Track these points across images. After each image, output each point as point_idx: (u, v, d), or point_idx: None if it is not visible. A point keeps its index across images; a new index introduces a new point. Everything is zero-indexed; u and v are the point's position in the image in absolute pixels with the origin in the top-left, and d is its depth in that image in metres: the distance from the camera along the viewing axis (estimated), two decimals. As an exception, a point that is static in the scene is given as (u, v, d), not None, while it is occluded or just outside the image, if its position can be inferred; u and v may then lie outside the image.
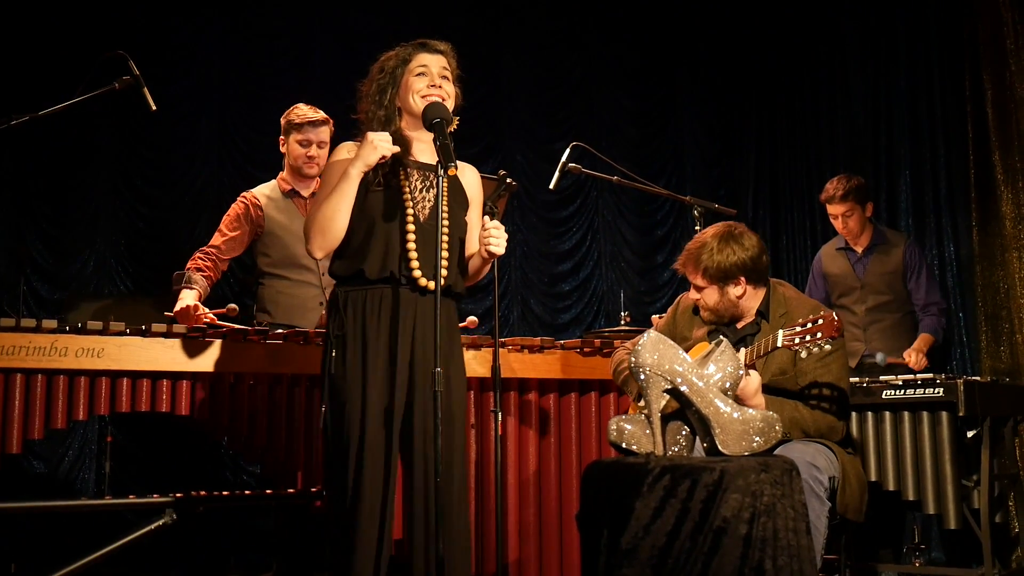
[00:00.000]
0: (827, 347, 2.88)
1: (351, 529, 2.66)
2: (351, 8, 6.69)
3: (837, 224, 4.77)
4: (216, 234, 4.01)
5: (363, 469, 2.67)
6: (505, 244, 2.80)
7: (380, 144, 2.72)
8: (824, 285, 4.89)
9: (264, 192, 4.08)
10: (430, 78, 2.83)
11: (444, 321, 2.70)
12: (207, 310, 3.69)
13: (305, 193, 4.08)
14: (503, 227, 2.82)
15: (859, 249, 4.78)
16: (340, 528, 2.69)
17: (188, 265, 3.92)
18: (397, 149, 2.77)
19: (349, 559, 2.65)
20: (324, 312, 3.96)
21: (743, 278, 3.15)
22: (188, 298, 3.76)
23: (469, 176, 2.98)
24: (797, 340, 2.90)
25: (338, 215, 2.74)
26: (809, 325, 2.89)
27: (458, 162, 2.86)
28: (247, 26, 6.54)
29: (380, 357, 2.74)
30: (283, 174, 4.13)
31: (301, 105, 4.11)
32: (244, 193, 4.09)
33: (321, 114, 4.05)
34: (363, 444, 2.68)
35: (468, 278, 2.96)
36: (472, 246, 2.93)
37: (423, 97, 2.81)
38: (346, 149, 2.88)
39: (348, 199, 2.74)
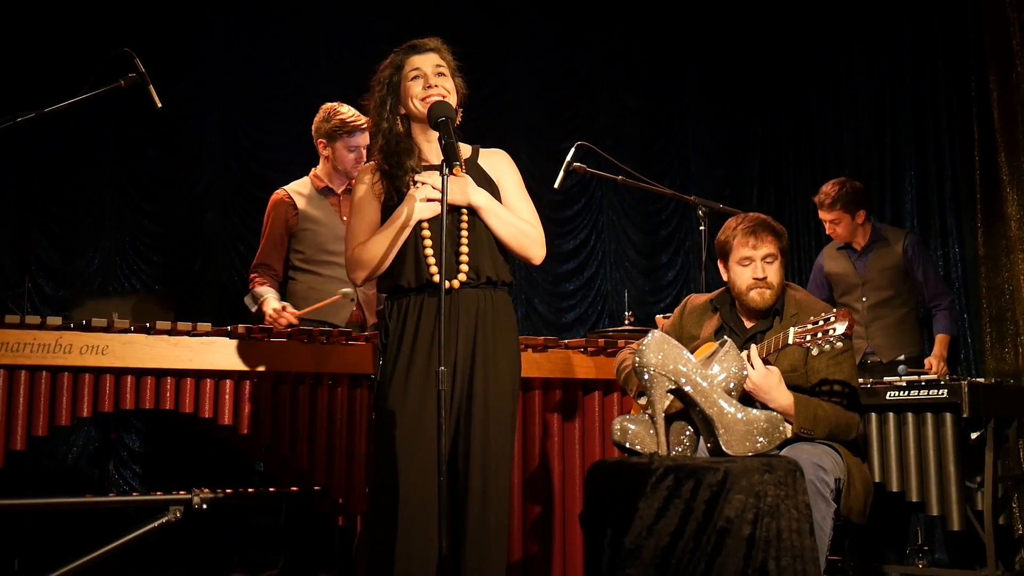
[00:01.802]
0: (839, 344, 2.88)
1: (389, 537, 2.66)
2: (356, 7, 6.70)
3: (827, 228, 4.81)
4: (261, 248, 4.02)
5: (408, 475, 2.67)
6: (436, 190, 2.76)
7: (428, 205, 2.78)
8: (826, 285, 4.90)
9: (297, 189, 4.08)
10: (425, 79, 2.84)
11: (489, 314, 2.78)
12: (293, 311, 3.77)
13: (339, 190, 4.08)
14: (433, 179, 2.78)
15: (858, 248, 4.80)
16: (381, 536, 2.68)
17: (251, 286, 3.96)
18: (436, 209, 2.78)
19: (391, 564, 2.64)
20: (355, 308, 3.98)
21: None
22: (273, 301, 3.83)
23: (494, 160, 2.98)
24: (808, 337, 2.90)
25: (387, 257, 2.80)
26: (820, 323, 2.89)
27: (487, 148, 2.96)
28: (253, 24, 6.55)
29: (421, 362, 2.74)
30: (317, 171, 4.12)
31: (341, 108, 4.05)
32: (277, 191, 4.08)
33: (364, 118, 3.99)
34: (408, 450, 2.68)
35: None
36: None
37: (422, 100, 2.82)
38: (368, 172, 2.91)
39: (396, 245, 2.79)
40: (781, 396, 2.94)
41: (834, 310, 2.93)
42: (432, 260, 2.77)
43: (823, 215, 4.77)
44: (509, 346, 2.84)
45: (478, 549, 2.69)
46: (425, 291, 2.79)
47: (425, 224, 2.80)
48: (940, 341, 4.62)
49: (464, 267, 2.77)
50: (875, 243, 4.77)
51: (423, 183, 2.79)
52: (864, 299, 4.73)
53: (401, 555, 2.63)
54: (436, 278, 2.74)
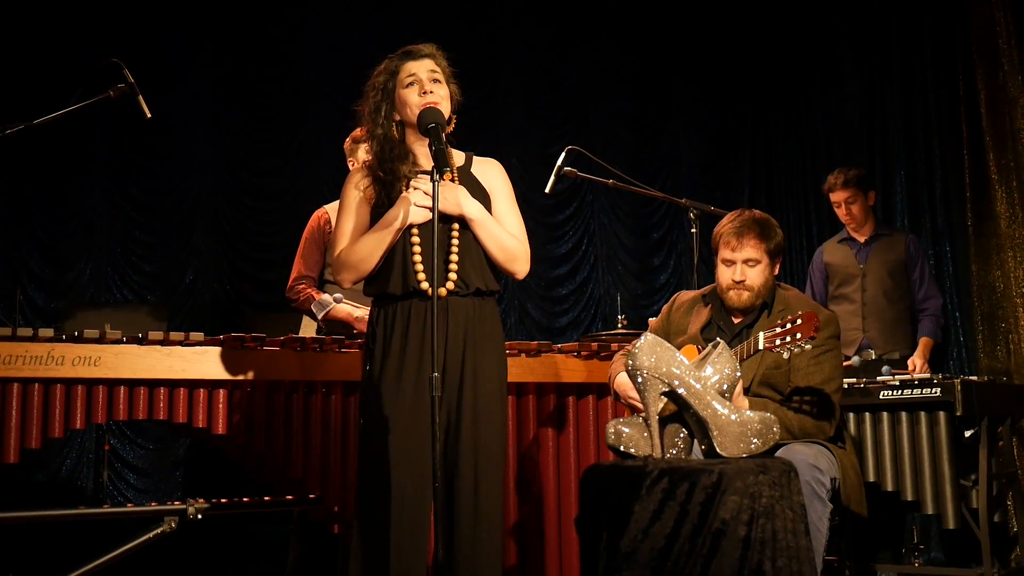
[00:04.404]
0: (807, 347, 2.87)
1: (379, 541, 2.66)
2: (346, 15, 6.71)
3: (841, 212, 4.82)
4: (303, 262, 3.99)
5: (400, 478, 2.67)
6: (427, 199, 2.75)
7: (420, 211, 2.77)
8: (823, 281, 4.92)
9: (334, 207, 4.07)
10: (420, 86, 2.83)
11: (477, 322, 2.78)
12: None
13: None
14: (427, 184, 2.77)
15: (862, 239, 4.83)
16: (370, 540, 2.69)
17: (302, 296, 3.92)
18: (427, 215, 2.75)
19: (384, 566, 2.65)
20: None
21: (780, 260, 3.21)
22: (348, 307, 3.79)
23: (489, 169, 2.98)
24: (778, 342, 2.91)
25: (373, 259, 2.79)
26: (788, 326, 2.89)
27: (482, 157, 2.96)
28: (242, 33, 6.55)
29: (411, 368, 2.74)
30: None
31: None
32: (318, 211, 4.07)
33: None
34: (399, 454, 2.68)
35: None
36: None
37: (418, 106, 2.82)
38: (359, 175, 2.90)
39: (386, 246, 2.78)
40: (737, 405, 2.94)
41: (800, 312, 2.91)
42: (420, 267, 2.77)
43: (837, 197, 4.79)
44: (497, 352, 2.85)
45: (473, 545, 2.70)
46: (412, 298, 2.78)
47: (415, 230, 2.80)
48: (924, 343, 4.64)
49: (453, 276, 2.77)
50: (878, 236, 4.82)
51: (416, 188, 2.79)
52: (864, 290, 4.75)
53: (395, 556, 2.64)
54: (423, 285, 2.75)
